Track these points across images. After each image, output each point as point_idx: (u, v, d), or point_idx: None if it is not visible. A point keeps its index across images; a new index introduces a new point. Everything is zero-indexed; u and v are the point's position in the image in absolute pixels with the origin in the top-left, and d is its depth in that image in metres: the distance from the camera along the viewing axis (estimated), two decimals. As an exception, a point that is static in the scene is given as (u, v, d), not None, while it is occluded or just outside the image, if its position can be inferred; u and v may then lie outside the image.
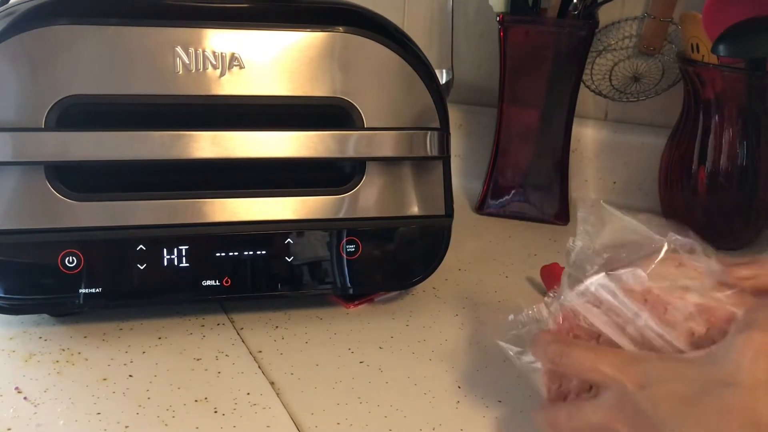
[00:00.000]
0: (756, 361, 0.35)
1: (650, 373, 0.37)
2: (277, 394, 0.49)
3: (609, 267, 0.43)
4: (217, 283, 0.55)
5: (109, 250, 0.52)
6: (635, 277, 0.42)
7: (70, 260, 0.52)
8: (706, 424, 0.34)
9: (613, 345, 0.41)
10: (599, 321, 0.42)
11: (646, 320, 0.40)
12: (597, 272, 0.43)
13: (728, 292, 0.40)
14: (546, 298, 0.46)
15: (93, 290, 0.52)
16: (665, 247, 0.43)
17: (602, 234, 0.46)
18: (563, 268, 0.47)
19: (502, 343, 0.45)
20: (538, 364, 0.44)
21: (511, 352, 0.45)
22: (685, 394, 0.36)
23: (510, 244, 0.76)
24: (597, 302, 0.42)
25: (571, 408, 0.41)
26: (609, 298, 0.42)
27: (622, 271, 0.42)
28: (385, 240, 0.58)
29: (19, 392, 0.47)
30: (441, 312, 0.61)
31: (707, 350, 0.38)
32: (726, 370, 0.35)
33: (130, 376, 0.50)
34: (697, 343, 0.39)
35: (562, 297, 0.44)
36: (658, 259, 0.42)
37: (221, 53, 0.52)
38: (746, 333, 0.36)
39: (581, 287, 0.43)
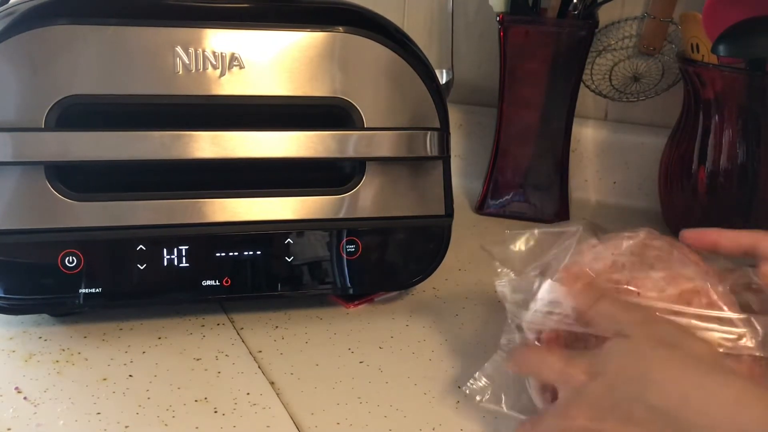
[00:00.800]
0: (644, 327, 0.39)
1: (595, 361, 0.39)
2: (277, 394, 0.49)
3: (548, 277, 0.44)
4: (217, 283, 0.55)
5: (109, 250, 0.52)
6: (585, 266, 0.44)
7: (70, 260, 0.52)
8: (659, 379, 0.37)
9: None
10: (564, 325, 0.42)
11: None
12: (539, 286, 0.44)
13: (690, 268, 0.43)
14: (502, 341, 0.46)
15: (93, 290, 0.52)
16: (579, 230, 0.46)
17: (517, 259, 0.48)
18: None
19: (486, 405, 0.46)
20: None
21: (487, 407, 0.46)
22: (628, 364, 0.38)
23: (510, 244, 0.76)
24: (555, 306, 0.43)
25: (533, 419, 0.43)
26: (566, 299, 0.42)
27: (565, 270, 0.44)
28: (385, 240, 0.58)
29: (19, 392, 0.48)
30: (441, 312, 0.61)
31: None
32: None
33: (130, 376, 0.50)
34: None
35: (525, 321, 0.44)
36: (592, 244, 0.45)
37: (221, 53, 0.52)
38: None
39: (534, 305, 0.44)
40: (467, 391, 0.46)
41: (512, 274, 0.47)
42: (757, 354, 0.40)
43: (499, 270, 0.48)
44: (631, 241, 0.45)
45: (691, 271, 0.43)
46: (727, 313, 0.41)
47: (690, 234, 0.46)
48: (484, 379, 0.46)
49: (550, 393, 0.43)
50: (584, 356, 0.40)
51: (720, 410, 0.35)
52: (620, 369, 0.38)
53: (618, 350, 0.39)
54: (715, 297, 0.42)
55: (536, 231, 0.49)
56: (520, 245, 0.48)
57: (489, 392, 0.46)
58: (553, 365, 0.41)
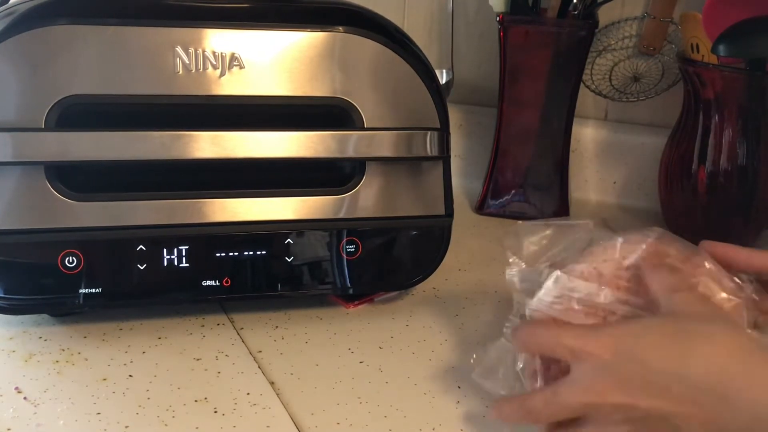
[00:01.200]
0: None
1: (619, 339, 0.38)
2: (277, 394, 0.49)
3: (556, 269, 0.45)
4: (217, 283, 0.55)
5: (109, 250, 0.52)
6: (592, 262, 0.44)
7: (70, 260, 0.52)
8: (701, 355, 0.36)
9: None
10: (572, 316, 0.42)
11: (607, 295, 0.42)
12: (547, 276, 0.44)
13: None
14: (505, 329, 0.46)
15: (93, 290, 0.52)
16: (589, 225, 0.46)
17: (529, 252, 0.47)
18: None
19: (477, 378, 0.46)
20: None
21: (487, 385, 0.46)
22: (664, 340, 0.38)
23: (510, 244, 0.76)
24: (562, 297, 0.43)
25: (545, 393, 0.40)
26: (573, 286, 0.43)
27: (575, 266, 0.44)
28: (385, 240, 0.58)
29: (19, 392, 0.47)
30: (441, 312, 0.61)
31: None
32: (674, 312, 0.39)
33: (130, 376, 0.50)
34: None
35: (527, 310, 0.44)
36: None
37: (221, 53, 0.52)
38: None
39: (540, 293, 0.44)
40: (473, 367, 0.46)
41: (523, 265, 0.47)
42: None
43: (510, 260, 0.48)
44: (643, 245, 0.44)
45: (703, 283, 0.43)
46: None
47: (708, 247, 0.45)
48: (485, 358, 0.46)
49: (542, 375, 0.43)
50: (603, 332, 0.39)
51: (763, 388, 0.35)
52: (656, 345, 0.37)
53: (652, 326, 0.39)
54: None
55: (549, 223, 0.49)
56: (532, 237, 0.48)
57: (486, 371, 0.46)
58: (569, 341, 0.39)
